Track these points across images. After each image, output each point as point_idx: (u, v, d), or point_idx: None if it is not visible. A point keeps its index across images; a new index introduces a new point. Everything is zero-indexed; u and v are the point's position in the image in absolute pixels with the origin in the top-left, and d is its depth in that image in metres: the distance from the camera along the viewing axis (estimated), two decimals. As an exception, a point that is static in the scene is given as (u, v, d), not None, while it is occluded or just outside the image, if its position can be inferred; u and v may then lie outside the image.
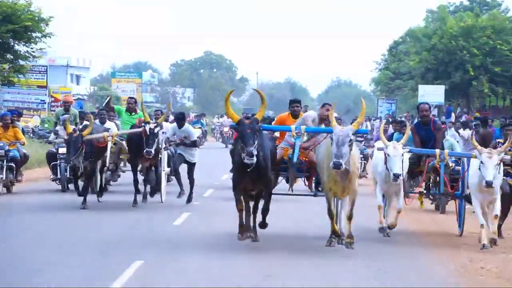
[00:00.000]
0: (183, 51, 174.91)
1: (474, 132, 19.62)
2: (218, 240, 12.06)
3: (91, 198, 16.04)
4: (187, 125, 17.60)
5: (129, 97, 18.30)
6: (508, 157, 11.93)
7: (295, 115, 12.72)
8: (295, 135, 11.62)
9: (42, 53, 30.30)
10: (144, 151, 15.12)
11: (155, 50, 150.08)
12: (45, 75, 39.15)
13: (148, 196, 16.36)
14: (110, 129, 16.57)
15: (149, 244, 11.75)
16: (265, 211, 11.70)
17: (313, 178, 12.55)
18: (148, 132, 15.14)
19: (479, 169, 11.62)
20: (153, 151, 15.18)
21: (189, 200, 16.61)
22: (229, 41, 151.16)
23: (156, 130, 15.24)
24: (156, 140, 15.30)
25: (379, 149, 12.48)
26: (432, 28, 43.78)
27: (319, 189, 12.56)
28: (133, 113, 17.06)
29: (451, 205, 14.84)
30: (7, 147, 18.08)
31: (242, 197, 11.55)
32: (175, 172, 17.21)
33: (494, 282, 9.68)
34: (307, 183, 12.80)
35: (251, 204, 11.83)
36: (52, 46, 29.99)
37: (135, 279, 9.44)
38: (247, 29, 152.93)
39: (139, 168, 16.53)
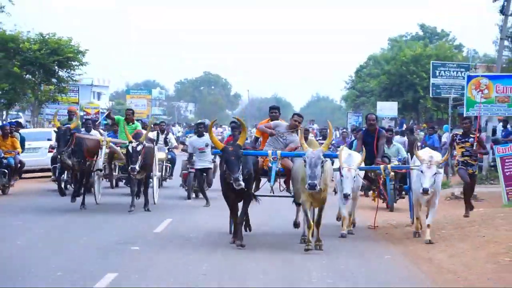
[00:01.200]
0: (186, 70, 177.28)
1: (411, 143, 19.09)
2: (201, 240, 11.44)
3: (90, 200, 15.55)
4: (206, 134, 16.48)
5: (127, 109, 17.54)
6: (441, 170, 11.67)
7: (274, 121, 12.48)
8: (271, 159, 11.25)
9: (80, 78, 33.52)
10: (129, 168, 14.51)
11: (162, 69, 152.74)
12: (77, 93, 42.18)
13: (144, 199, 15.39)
14: (103, 135, 16.02)
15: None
16: (240, 224, 11.10)
17: (290, 181, 12.06)
18: (131, 151, 14.49)
19: (417, 175, 11.50)
20: (137, 167, 14.37)
21: (207, 203, 16.06)
22: (224, 63, 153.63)
23: (138, 148, 14.45)
24: (139, 157, 14.46)
25: (335, 169, 11.73)
26: (390, 54, 46.84)
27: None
28: (131, 123, 16.14)
29: (399, 204, 15.46)
30: (2, 155, 17.63)
31: (233, 209, 11.17)
32: (201, 189, 16.72)
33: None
34: (284, 185, 12.40)
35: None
36: (86, 72, 33.06)
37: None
38: (239, 53, 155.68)
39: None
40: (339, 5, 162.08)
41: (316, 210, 10.99)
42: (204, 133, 16.66)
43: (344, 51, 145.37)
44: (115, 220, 13.56)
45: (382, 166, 12.16)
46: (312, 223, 10.65)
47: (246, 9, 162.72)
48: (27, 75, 31.24)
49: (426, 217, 11.69)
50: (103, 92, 72.49)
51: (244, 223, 11.54)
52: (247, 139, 11.71)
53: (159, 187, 17.64)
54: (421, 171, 11.20)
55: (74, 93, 41.74)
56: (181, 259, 9.74)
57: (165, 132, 20.48)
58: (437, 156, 11.64)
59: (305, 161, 10.12)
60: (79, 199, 15.03)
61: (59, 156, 14.93)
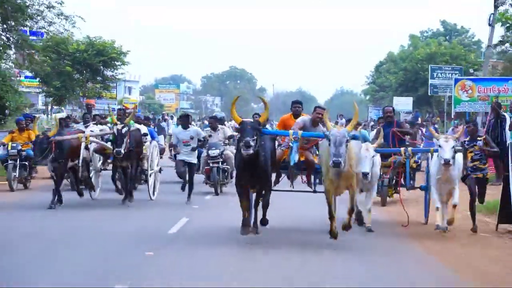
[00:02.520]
0: (213, 65, 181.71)
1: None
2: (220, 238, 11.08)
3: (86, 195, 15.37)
4: (192, 126, 16.80)
5: (119, 109, 17.36)
6: (458, 144, 11.75)
7: (296, 115, 12.43)
8: (292, 139, 11.03)
9: (122, 76, 37.87)
10: (114, 151, 14.35)
11: (189, 64, 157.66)
12: (115, 89, 46.51)
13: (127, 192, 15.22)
14: (84, 131, 15.38)
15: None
16: (265, 206, 11.04)
17: (311, 176, 12.09)
18: (116, 133, 14.33)
19: (437, 155, 11.57)
20: (122, 150, 14.22)
21: (188, 199, 15.68)
22: (250, 57, 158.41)
23: (123, 131, 14.31)
24: (125, 140, 14.32)
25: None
26: (407, 53, 50.65)
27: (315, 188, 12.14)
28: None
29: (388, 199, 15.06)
30: (19, 147, 17.59)
31: (244, 196, 10.78)
32: (183, 179, 16.39)
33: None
34: (305, 179, 12.31)
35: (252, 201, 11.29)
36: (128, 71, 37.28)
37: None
38: (265, 47, 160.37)
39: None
40: (365, 2, 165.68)
41: (339, 199, 10.92)
42: (190, 125, 16.44)
43: (368, 46, 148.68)
44: (127, 219, 13.23)
45: (402, 149, 12.35)
46: (334, 215, 10.57)
47: (273, 7, 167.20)
48: (76, 74, 35.50)
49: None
50: (133, 87, 74.73)
51: (262, 215, 11.26)
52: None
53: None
54: (439, 146, 11.35)
55: (113, 89, 46.30)
56: (202, 260, 9.36)
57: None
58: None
59: (329, 139, 9.81)
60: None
61: (35, 164, 15.53)
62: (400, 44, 55.17)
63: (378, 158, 12.06)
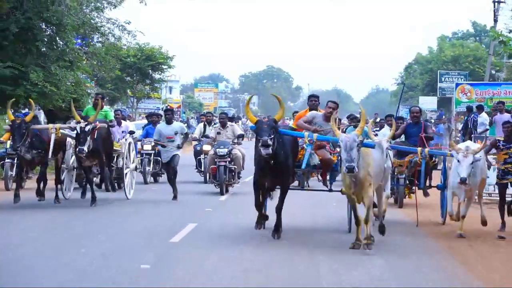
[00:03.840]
0: (250, 64, 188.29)
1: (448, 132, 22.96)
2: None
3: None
4: (176, 122, 16.79)
5: (96, 93, 17.21)
6: (479, 156, 11.45)
7: (312, 109, 12.30)
8: (307, 142, 10.92)
9: (173, 81, 42.53)
10: (77, 149, 13.77)
11: (228, 63, 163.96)
12: (160, 90, 51.27)
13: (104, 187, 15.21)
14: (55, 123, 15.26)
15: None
16: (279, 210, 10.69)
17: (327, 174, 11.88)
18: (79, 131, 13.69)
19: (455, 167, 11.31)
20: (85, 149, 13.61)
21: (175, 196, 15.50)
22: (287, 57, 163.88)
23: (87, 129, 13.68)
24: (88, 138, 13.72)
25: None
26: (433, 53, 54.74)
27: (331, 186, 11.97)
28: (100, 110, 15.03)
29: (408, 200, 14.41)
30: None
31: (259, 197, 10.83)
32: (169, 181, 15.94)
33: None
34: (321, 178, 12.10)
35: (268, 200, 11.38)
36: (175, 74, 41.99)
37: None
38: (301, 47, 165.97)
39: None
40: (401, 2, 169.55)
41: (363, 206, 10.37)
42: (173, 120, 16.60)
43: (402, 46, 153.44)
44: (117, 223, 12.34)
45: (419, 149, 12.21)
46: (360, 218, 10.21)
47: (308, 10, 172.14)
48: (127, 77, 40.30)
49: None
50: (174, 86, 79.09)
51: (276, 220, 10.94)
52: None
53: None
54: (458, 161, 11.20)
55: (159, 90, 50.82)
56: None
57: (213, 124, 19.66)
58: (474, 146, 11.77)
59: (339, 145, 9.86)
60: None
61: (15, 152, 14.15)
62: (428, 46, 59.11)
63: (390, 152, 11.67)
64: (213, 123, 19.73)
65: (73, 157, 15.18)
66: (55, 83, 21.39)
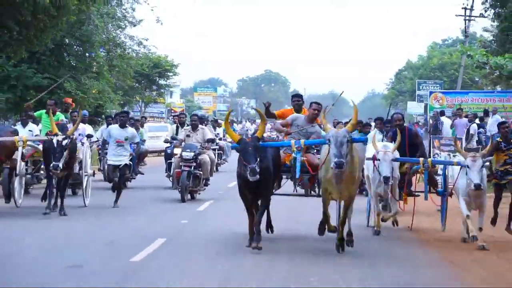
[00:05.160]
0: (249, 69, 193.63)
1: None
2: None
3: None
4: (129, 128, 16.03)
5: (49, 99, 16.57)
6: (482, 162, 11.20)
7: (297, 109, 12.16)
8: (295, 150, 10.73)
9: (175, 86, 46.89)
10: (51, 165, 13.03)
11: (226, 68, 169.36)
12: (165, 95, 55.31)
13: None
14: (18, 132, 14.72)
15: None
16: (258, 223, 10.38)
17: (315, 179, 11.61)
18: (55, 144, 13.08)
19: (466, 173, 11.13)
20: (60, 165, 13.01)
21: (115, 202, 15.05)
22: (284, 62, 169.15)
23: (64, 143, 13.10)
24: (65, 153, 13.14)
25: (368, 158, 11.76)
26: (422, 60, 59.16)
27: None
28: (53, 115, 14.73)
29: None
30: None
31: (250, 208, 10.56)
32: (113, 187, 15.57)
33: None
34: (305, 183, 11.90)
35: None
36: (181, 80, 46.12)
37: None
38: (299, 52, 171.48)
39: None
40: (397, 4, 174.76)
41: (342, 205, 10.43)
42: (127, 125, 15.92)
43: (396, 52, 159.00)
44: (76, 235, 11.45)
45: (421, 159, 12.00)
46: (328, 215, 10.39)
47: (305, 16, 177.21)
48: (136, 84, 44.67)
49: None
50: (174, 91, 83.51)
51: (266, 222, 11.13)
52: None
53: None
54: (467, 166, 11.03)
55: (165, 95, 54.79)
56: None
57: (186, 125, 18.54)
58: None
59: (329, 140, 9.61)
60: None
61: None
62: (418, 54, 63.53)
63: (397, 163, 11.97)
64: (186, 124, 18.64)
65: (23, 163, 14.72)
66: (84, 91, 25.83)
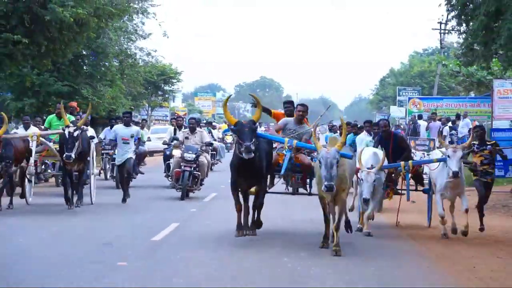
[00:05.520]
0: (245, 75, 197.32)
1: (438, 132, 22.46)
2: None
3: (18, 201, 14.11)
4: (133, 126, 16.22)
5: (58, 103, 16.35)
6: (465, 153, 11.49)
7: (289, 115, 12.10)
8: (287, 148, 10.63)
9: (177, 91, 48.36)
10: (64, 155, 13.08)
11: (224, 73, 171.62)
12: (169, 100, 56.59)
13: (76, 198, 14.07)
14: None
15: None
16: (260, 206, 10.61)
17: (307, 178, 11.72)
18: (67, 136, 13.14)
19: (446, 164, 11.23)
20: (73, 155, 13.01)
21: (124, 200, 15.07)
22: (278, 68, 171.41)
23: (75, 134, 13.13)
24: (76, 144, 13.15)
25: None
26: (404, 68, 60.66)
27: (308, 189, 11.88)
28: (62, 119, 14.54)
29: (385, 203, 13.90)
30: None
31: (239, 198, 10.45)
32: (121, 183, 15.79)
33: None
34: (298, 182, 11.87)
35: (250, 203, 10.74)
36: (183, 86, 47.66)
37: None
38: (291, 59, 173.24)
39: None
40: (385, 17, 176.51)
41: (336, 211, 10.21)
42: (131, 124, 16.22)
43: (381, 59, 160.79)
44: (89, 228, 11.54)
45: (402, 163, 11.86)
46: (329, 219, 10.21)
47: (298, 25, 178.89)
48: (144, 90, 46.16)
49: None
50: (177, 96, 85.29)
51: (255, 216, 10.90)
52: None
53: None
54: (448, 156, 11.13)
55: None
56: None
57: (183, 128, 19.15)
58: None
59: (320, 161, 9.48)
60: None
61: None
62: (401, 61, 64.96)
63: (383, 175, 11.87)
64: (183, 127, 19.30)
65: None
66: (99, 97, 27.06)
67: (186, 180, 16.00)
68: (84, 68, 27.15)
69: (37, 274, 8.01)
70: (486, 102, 28.73)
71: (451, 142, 24.90)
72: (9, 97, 25.90)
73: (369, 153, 11.84)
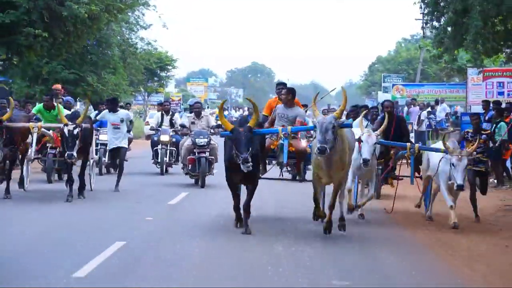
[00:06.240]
0: (237, 60, 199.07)
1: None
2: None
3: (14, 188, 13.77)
4: (121, 110, 16.00)
5: (45, 95, 15.95)
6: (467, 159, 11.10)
7: (281, 98, 11.94)
8: (282, 136, 10.55)
9: (172, 77, 50.71)
10: (66, 155, 12.81)
11: (216, 59, 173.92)
12: (163, 85, 58.73)
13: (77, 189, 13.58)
14: (36, 117, 14.59)
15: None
16: (247, 206, 10.25)
17: (300, 165, 11.63)
18: (67, 134, 12.82)
19: (451, 167, 10.96)
20: (75, 154, 12.77)
21: (116, 187, 14.76)
22: (269, 53, 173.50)
23: (75, 132, 12.80)
24: (77, 142, 12.85)
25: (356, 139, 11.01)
26: (392, 55, 63.02)
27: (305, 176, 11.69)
28: (52, 110, 14.49)
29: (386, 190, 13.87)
30: None
31: (237, 192, 10.45)
32: (114, 168, 15.97)
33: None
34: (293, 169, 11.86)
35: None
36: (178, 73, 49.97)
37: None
38: (282, 45, 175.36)
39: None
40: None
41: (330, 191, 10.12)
42: (118, 109, 15.86)
43: (371, 45, 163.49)
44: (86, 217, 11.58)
45: (408, 144, 11.75)
46: (318, 199, 10.19)
47: (289, 10, 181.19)
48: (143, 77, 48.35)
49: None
50: (170, 81, 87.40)
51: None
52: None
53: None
54: (452, 164, 10.88)
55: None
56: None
57: (171, 113, 19.33)
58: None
59: (315, 126, 9.41)
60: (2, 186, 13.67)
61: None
62: (388, 50, 67.32)
63: (378, 148, 11.65)
64: (170, 112, 19.26)
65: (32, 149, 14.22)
66: (103, 84, 29.37)
67: (204, 166, 15.77)
68: (89, 57, 29.37)
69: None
70: (463, 88, 31.25)
71: (429, 126, 27.57)
72: (23, 84, 27.98)
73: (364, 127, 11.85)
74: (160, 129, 18.41)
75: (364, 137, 11.17)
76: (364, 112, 13.53)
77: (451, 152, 11.02)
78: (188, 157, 15.87)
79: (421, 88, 33.60)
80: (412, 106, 28.51)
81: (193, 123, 16.37)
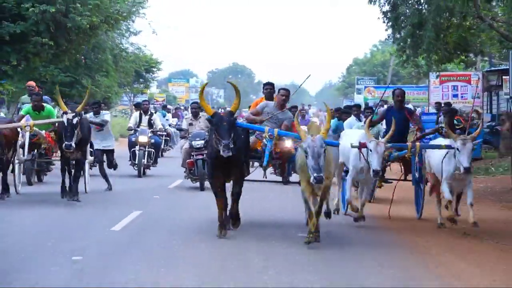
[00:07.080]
0: (217, 61, 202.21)
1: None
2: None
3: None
4: (102, 112, 16.47)
5: (34, 94, 14.75)
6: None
7: (268, 97, 11.72)
8: (267, 137, 10.22)
9: (157, 79, 53.55)
10: (63, 144, 12.35)
11: (196, 59, 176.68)
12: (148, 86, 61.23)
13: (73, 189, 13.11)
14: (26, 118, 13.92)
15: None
16: (237, 194, 10.01)
17: (285, 166, 11.23)
18: (66, 123, 12.32)
19: (454, 156, 10.52)
20: (73, 144, 12.24)
21: (109, 189, 14.94)
22: (250, 54, 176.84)
23: (75, 121, 12.30)
24: (76, 131, 12.35)
25: (353, 146, 10.68)
26: (367, 58, 66.23)
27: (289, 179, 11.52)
28: (41, 111, 13.99)
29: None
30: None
31: (220, 191, 9.94)
32: (100, 171, 15.59)
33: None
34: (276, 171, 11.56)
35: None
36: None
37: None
38: (262, 45, 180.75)
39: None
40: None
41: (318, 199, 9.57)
42: (101, 111, 16.26)
43: (350, 46, 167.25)
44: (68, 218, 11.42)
45: (409, 144, 11.35)
46: (312, 212, 9.44)
47: (268, 11, 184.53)
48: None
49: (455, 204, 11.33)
50: (152, 82, 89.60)
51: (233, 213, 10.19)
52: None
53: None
54: (457, 149, 10.41)
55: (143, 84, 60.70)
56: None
57: (149, 113, 19.10)
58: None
59: (306, 152, 8.92)
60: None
61: None
62: (364, 52, 70.61)
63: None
64: (149, 112, 19.09)
65: (24, 149, 14.00)
66: (97, 86, 32.13)
67: (202, 168, 15.22)
68: (84, 61, 32.10)
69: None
70: (425, 90, 34.45)
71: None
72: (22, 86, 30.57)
73: (359, 133, 11.55)
74: (138, 129, 18.30)
75: (372, 146, 10.59)
76: (357, 112, 14.61)
77: (454, 137, 10.66)
78: (187, 160, 15.71)
79: (391, 90, 36.62)
80: (381, 107, 31.48)
81: (191, 124, 16.25)
